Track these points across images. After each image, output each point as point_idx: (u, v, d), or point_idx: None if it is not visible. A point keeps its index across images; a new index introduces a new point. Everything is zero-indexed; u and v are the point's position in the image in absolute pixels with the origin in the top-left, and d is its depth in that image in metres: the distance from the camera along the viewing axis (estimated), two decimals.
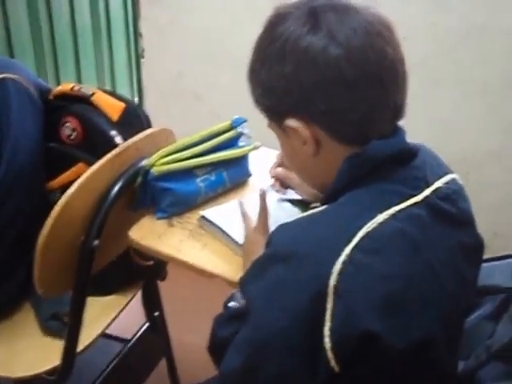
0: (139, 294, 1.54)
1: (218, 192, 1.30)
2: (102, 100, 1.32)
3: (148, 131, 1.27)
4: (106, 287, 1.43)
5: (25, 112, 1.24)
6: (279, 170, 1.27)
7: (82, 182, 1.11)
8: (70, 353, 1.23)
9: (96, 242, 1.13)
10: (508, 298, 1.00)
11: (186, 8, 2.15)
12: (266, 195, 1.08)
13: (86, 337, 1.28)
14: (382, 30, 0.79)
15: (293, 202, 1.26)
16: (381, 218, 0.75)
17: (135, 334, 1.67)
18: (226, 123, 1.31)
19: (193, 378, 1.21)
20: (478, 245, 0.90)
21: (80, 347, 1.25)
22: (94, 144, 1.27)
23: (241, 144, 1.34)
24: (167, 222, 1.22)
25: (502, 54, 1.85)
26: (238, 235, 1.13)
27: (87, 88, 1.34)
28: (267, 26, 0.85)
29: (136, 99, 2.44)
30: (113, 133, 1.33)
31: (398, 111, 0.83)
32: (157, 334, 1.65)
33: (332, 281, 0.69)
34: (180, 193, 1.21)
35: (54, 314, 1.30)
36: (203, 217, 1.20)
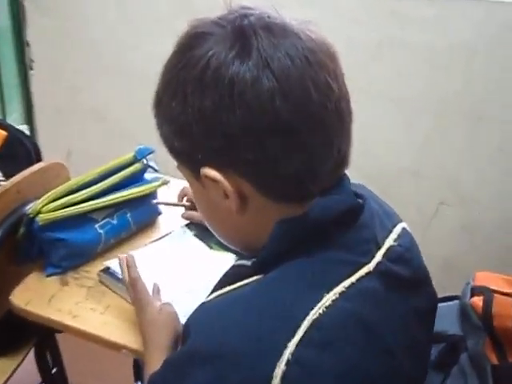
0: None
1: (122, 237, 1.11)
2: None
3: (34, 167, 1.06)
4: None
5: None
6: (192, 213, 1.13)
7: None
8: None
9: None
10: (454, 347, 0.92)
11: (77, 18, 1.93)
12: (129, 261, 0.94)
13: None
14: (326, 60, 0.65)
15: (210, 243, 1.10)
16: (328, 299, 0.61)
17: None
18: (129, 155, 1.13)
19: None
20: (433, 305, 0.78)
21: None
22: None
23: (147, 179, 1.16)
24: (60, 280, 1.01)
25: (416, 69, 1.80)
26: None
27: None
28: (181, 46, 0.67)
29: (23, 124, 2.17)
30: None
31: (342, 159, 0.68)
32: None
33: None
34: (75, 243, 1.02)
35: None
36: (106, 269, 1.01)
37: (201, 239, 1.11)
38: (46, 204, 0.99)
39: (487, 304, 0.87)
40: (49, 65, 2.06)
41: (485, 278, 1.03)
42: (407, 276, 0.72)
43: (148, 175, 1.17)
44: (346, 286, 0.63)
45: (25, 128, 2.98)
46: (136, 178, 1.13)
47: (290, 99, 0.61)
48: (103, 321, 0.93)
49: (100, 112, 2.09)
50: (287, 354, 0.55)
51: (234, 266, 0.83)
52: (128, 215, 1.10)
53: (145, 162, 1.13)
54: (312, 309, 0.59)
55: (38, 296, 0.97)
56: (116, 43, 1.93)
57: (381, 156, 1.93)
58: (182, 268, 1.04)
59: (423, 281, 0.77)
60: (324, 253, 0.65)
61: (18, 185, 1.01)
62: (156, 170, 1.15)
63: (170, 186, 1.16)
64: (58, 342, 1.37)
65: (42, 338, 1.31)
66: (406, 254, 0.73)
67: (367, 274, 0.65)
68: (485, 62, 1.65)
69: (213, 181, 0.66)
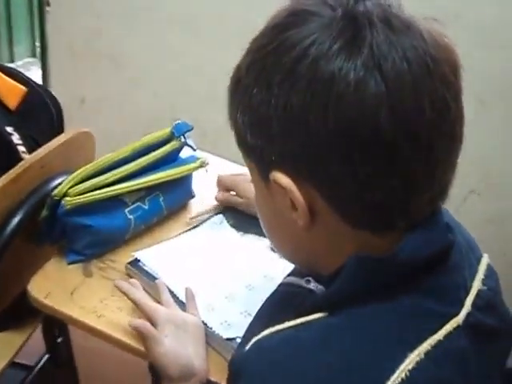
0: None
1: (152, 223, 1.00)
2: None
3: (59, 139, 0.93)
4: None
5: None
6: (229, 197, 1.03)
7: None
8: None
9: None
10: None
11: None
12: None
13: None
14: (449, 73, 0.52)
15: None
16: (412, 360, 0.51)
17: (36, 365, 1.36)
18: (165, 131, 1.00)
19: None
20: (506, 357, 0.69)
21: None
22: None
23: (182, 158, 1.04)
24: (83, 269, 0.91)
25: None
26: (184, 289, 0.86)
27: None
28: (275, 23, 0.55)
29: (30, 57, 2.00)
30: (9, 129, 0.99)
31: (442, 190, 0.57)
32: (60, 366, 1.35)
33: None
34: (102, 230, 0.90)
35: None
36: (134, 262, 0.91)
37: (239, 230, 1.00)
38: (74, 185, 0.87)
39: None
40: (67, 2, 1.88)
41: None
42: (496, 326, 0.62)
43: (183, 153, 1.05)
44: (433, 344, 0.53)
45: (33, 61, 2.83)
46: (171, 157, 1.01)
47: (399, 112, 0.49)
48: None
49: (118, 58, 1.93)
50: None
51: (284, 284, 0.73)
52: (161, 199, 0.99)
53: (182, 139, 1.01)
54: (393, 373, 0.50)
55: (59, 288, 0.87)
56: None
57: None
58: (218, 266, 0.93)
59: (507, 331, 0.67)
60: (409, 300, 0.55)
61: (41, 160, 0.88)
62: (194, 150, 1.03)
63: (208, 169, 1.04)
64: None
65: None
66: (495, 299, 0.63)
67: (456, 328, 0.55)
68: None
69: (282, 188, 0.55)
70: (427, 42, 0.51)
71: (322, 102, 0.50)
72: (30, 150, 0.98)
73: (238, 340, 0.80)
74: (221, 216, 1.03)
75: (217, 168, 1.09)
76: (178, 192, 1.03)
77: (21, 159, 0.94)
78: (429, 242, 0.56)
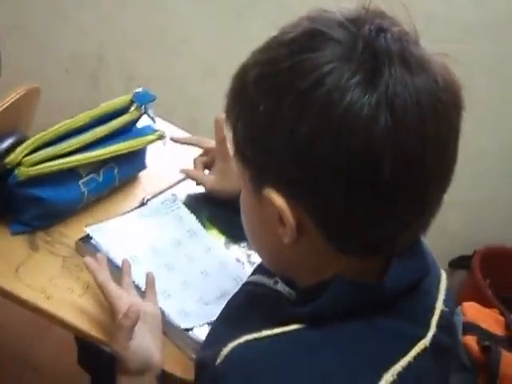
0: None
1: (103, 195, 0.95)
2: None
3: (5, 102, 0.83)
4: None
5: None
6: (197, 174, 0.99)
7: None
8: None
9: None
10: None
11: None
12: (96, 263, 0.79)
13: None
14: (453, 117, 0.53)
15: (203, 219, 0.97)
16: (387, 380, 0.54)
17: None
18: (125, 98, 0.94)
19: None
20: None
21: None
22: None
23: (139, 128, 0.98)
24: (29, 242, 0.84)
25: None
26: (140, 272, 0.83)
27: None
28: (294, 40, 0.52)
29: None
30: None
31: (427, 224, 0.60)
32: None
33: None
34: (55, 203, 0.84)
35: None
36: (86, 238, 0.86)
37: (192, 212, 0.98)
38: (28, 154, 0.79)
39: (494, 360, 0.86)
40: None
41: (475, 313, 1.03)
42: (451, 345, 0.68)
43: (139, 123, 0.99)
44: (404, 366, 0.56)
45: None
46: (128, 127, 0.95)
47: (402, 157, 0.50)
48: (82, 307, 0.79)
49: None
50: None
51: (251, 284, 0.73)
52: (115, 171, 0.93)
53: (142, 109, 0.95)
54: None
55: (3, 262, 0.80)
56: None
57: None
58: (172, 249, 0.91)
59: (455, 348, 0.74)
60: (384, 321, 0.58)
61: None
62: (154, 122, 0.97)
63: (166, 142, 0.99)
64: None
65: None
66: (452, 319, 0.69)
67: (423, 350, 0.60)
68: None
69: (273, 205, 0.55)
70: (439, 84, 0.52)
71: (331, 135, 0.49)
72: None
73: (195, 330, 0.80)
74: (174, 193, 1.00)
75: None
76: (133, 164, 0.98)
77: None
78: (412, 270, 0.59)
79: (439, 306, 0.64)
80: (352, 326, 0.57)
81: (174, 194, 0.99)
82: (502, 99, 1.61)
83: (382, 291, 0.57)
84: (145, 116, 0.97)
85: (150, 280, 0.82)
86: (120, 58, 1.83)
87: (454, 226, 1.87)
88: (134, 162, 0.97)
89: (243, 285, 0.76)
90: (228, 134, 0.60)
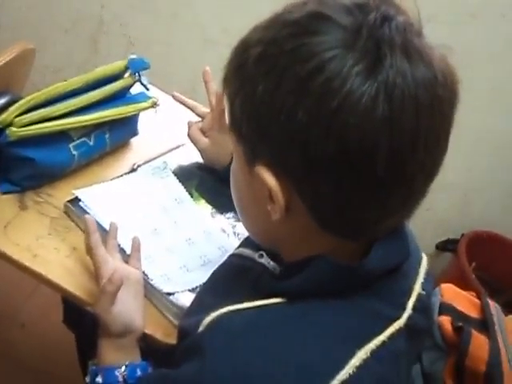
0: None
1: (94, 158, 0.96)
2: None
3: (4, 57, 0.84)
4: None
5: None
6: (200, 137, 0.98)
7: None
8: None
9: None
10: None
11: None
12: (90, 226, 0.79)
13: None
14: (448, 111, 0.54)
15: (190, 188, 0.98)
16: (359, 358, 0.57)
17: None
18: (120, 64, 0.94)
19: None
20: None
21: None
22: None
23: (132, 94, 0.99)
24: (18, 201, 0.86)
25: None
26: (126, 236, 0.85)
27: None
28: (293, 20, 0.53)
29: None
30: None
31: (411, 211, 0.61)
32: None
33: None
34: (45, 165, 0.85)
35: None
36: (75, 200, 0.87)
37: (181, 181, 0.99)
38: (20, 114, 0.80)
39: (465, 340, 0.89)
40: None
41: (452, 295, 1.05)
42: (425, 327, 0.70)
43: (133, 89, 1.00)
44: (378, 344, 0.59)
45: None
46: (121, 93, 0.96)
47: (396, 149, 0.51)
48: (68, 267, 0.82)
49: None
50: None
51: (237, 256, 0.75)
52: (107, 136, 0.94)
53: (136, 76, 0.96)
54: (342, 368, 0.55)
55: None
56: None
57: None
58: (159, 216, 0.93)
59: (428, 331, 0.76)
60: (361, 301, 0.60)
61: None
62: (147, 89, 0.98)
63: (158, 110, 1.00)
64: None
65: None
66: (428, 302, 0.71)
67: (398, 330, 0.62)
68: None
69: (264, 183, 0.56)
70: (438, 79, 0.52)
71: (327, 123, 0.50)
72: None
73: (177, 295, 0.82)
74: (165, 161, 1.01)
75: (167, 108, 1.05)
76: (125, 130, 0.99)
77: None
78: (392, 254, 0.61)
79: (417, 288, 0.66)
80: (330, 304, 0.59)
81: (164, 162, 1.00)
82: (496, 85, 1.61)
83: (362, 273, 0.58)
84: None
85: (136, 244, 0.83)
86: (121, 21, 1.81)
87: (443, 210, 1.89)
88: (126, 128, 0.98)
89: (229, 257, 0.78)
90: (226, 106, 0.61)
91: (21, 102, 0.80)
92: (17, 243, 0.81)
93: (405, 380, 0.66)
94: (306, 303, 0.59)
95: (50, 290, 0.82)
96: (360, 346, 0.57)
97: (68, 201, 0.87)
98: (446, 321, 0.98)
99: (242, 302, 0.61)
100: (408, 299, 0.65)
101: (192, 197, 0.98)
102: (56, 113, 0.84)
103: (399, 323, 0.61)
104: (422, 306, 0.67)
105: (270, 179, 0.55)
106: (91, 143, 0.91)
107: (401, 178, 0.53)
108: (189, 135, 0.99)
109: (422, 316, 0.67)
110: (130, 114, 0.95)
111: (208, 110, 1.00)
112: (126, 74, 0.95)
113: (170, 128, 1.06)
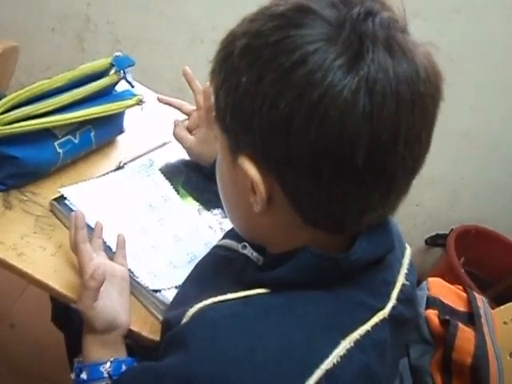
0: None
1: (79, 156, 0.95)
2: None
3: None
4: None
5: None
6: (187, 136, 1.00)
7: None
8: None
9: None
10: None
11: None
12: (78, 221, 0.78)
13: None
14: (430, 108, 0.54)
15: (177, 185, 0.98)
16: (344, 347, 0.57)
17: None
18: (105, 62, 0.94)
19: None
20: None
21: None
22: None
23: (118, 92, 0.98)
24: (2, 200, 0.85)
25: None
26: (112, 233, 0.84)
27: None
28: (278, 13, 0.53)
29: None
30: None
31: (394, 207, 0.61)
32: None
33: None
34: (29, 163, 0.85)
35: None
36: (60, 199, 0.87)
37: (167, 178, 0.99)
38: (4, 112, 0.80)
39: (451, 333, 0.89)
40: None
41: (439, 289, 1.06)
42: (409, 318, 0.71)
43: (119, 86, 0.99)
44: (362, 334, 0.60)
45: None
46: (107, 90, 0.95)
47: (375, 143, 0.52)
48: (54, 265, 0.81)
49: None
50: None
51: (220, 247, 0.75)
52: (92, 134, 0.94)
53: (121, 74, 0.95)
54: (327, 357, 0.56)
55: None
56: None
57: None
58: (146, 213, 0.93)
59: (414, 321, 0.77)
60: (345, 292, 0.61)
61: None
62: (132, 86, 0.98)
63: (144, 107, 1.00)
64: None
65: None
66: (413, 293, 0.72)
67: (382, 320, 0.63)
68: None
69: (246, 174, 0.57)
70: (420, 75, 0.53)
71: (308, 115, 0.51)
72: None
73: (164, 292, 0.82)
74: (151, 158, 1.01)
75: (153, 105, 1.05)
76: (110, 127, 0.98)
77: None
78: (377, 245, 0.62)
79: (401, 279, 0.68)
80: (315, 295, 0.59)
81: (150, 159, 1.00)
82: (484, 79, 1.62)
83: (346, 264, 0.59)
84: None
85: (121, 242, 0.83)
86: (107, 19, 1.81)
87: (432, 205, 1.90)
88: (111, 125, 0.98)
89: (212, 248, 0.78)
90: (212, 98, 0.61)
91: (4, 100, 0.80)
92: (2, 242, 0.80)
93: (390, 370, 0.66)
94: (290, 294, 0.59)
95: (39, 290, 0.82)
96: (344, 335, 0.58)
97: (54, 199, 0.87)
98: (432, 314, 0.99)
99: (225, 293, 0.62)
100: (392, 290, 0.66)
101: (178, 194, 0.98)
102: (40, 110, 0.83)
103: (383, 313, 0.62)
104: (407, 297, 0.68)
105: (252, 170, 0.56)
106: (76, 141, 0.91)
107: (381, 173, 0.54)
108: (174, 134, 1.00)
109: (407, 306, 0.68)
110: (115, 112, 0.95)
111: (194, 108, 1.00)
112: (111, 72, 0.95)
113: (156, 125, 1.06)
